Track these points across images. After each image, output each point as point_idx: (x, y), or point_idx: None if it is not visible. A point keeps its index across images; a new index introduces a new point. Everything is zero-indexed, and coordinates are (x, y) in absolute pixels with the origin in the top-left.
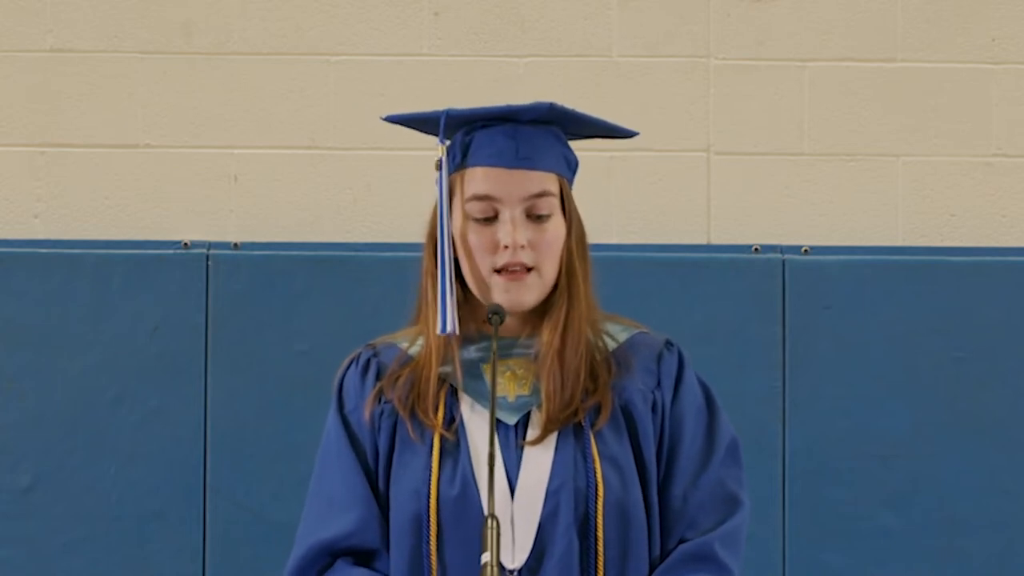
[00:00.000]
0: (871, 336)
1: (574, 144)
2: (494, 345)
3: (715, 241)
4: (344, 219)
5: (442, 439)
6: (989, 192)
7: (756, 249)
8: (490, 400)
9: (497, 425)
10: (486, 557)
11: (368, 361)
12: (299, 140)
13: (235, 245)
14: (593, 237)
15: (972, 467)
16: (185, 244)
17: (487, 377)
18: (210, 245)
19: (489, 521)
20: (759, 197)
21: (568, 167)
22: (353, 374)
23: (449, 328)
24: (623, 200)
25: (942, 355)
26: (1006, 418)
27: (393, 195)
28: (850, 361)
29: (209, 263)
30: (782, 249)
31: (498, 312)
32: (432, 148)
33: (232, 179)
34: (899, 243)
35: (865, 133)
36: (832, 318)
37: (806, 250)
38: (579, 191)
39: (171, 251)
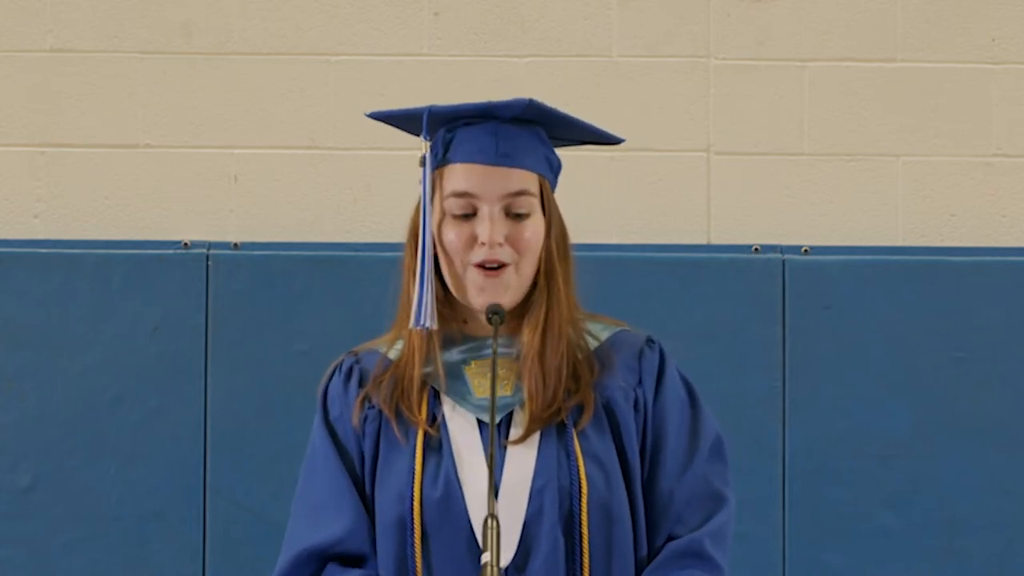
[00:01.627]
0: (871, 336)
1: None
2: (495, 345)
3: (715, 241)
4: (344, 219)
5: (426, 440)
6: (989, 192)
7: (756, 249)
8: (490, 400)
9: (479, 426)
10: (486, 557)
11: (351, 368)
12: (299, 140)
13: (235, 245)
14: (593, 237)
15: (972, 467)
16: (185, 244)
17: (469, 378)
18: (210, 245)
19: (489, 521)
20: (759, 197)
21: (550, 168)
22: (337, 382)
23: (424, 321)
24: (623, 200)
25: (942, 355)
26: (1006, 418)
27: (393, 195)
28: (850, 361)
29: (209, 263)
30: (782, 249)
31: (498, 312)
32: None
33: (232, 179)
34: (899, 243)
35: (865, 133)
36: (832, 318)
37: (806, 250)
38: (580, 191)
39: (171, 251)
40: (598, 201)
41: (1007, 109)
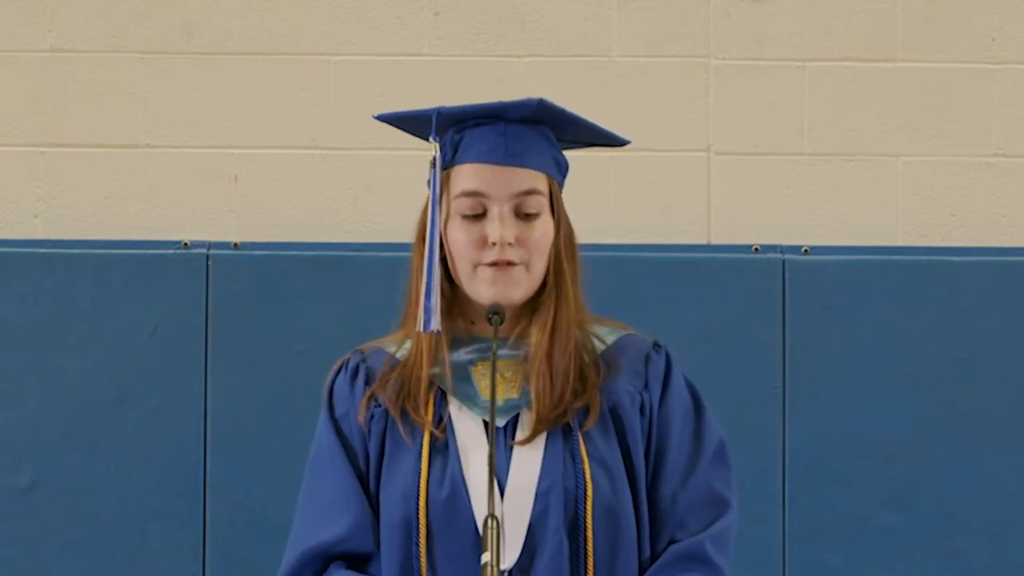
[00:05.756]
0: (871, 336)
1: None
2: (494, 345)
3: (715, 241)
4: (344, 219)
5: (432, 441)
6: (989, 192)
7: (756, 249)
8: (490, 399)
9: (485, 427)
10: (486, 557)
11: (357, 366)
12: (299, 140)
13: (235, 245)
14: (593, 237)
15: (972, 467)
16: (185, 244)
17: (476, 379)
18: (210, 245)
19: (489, 521)
20: (759, 197)
21: (558, 169)
22: (343, 380)
23: (432, 326)
24: (623, 200)
25: (942, 355)
26: (1006, 418)
27: (393, 195)
28: (850, 361)
29: (209, 263)
30: (782, 249)
31: (498, 312)
32: (431, 149)
33: (232, 179)
34: (899, 243)
35: (865, 133)
36: (832, 318)
37: (806, 250)
38: (579, 191)
39: (171, 251)
40: (598, 201)
41: (1007, 109)
